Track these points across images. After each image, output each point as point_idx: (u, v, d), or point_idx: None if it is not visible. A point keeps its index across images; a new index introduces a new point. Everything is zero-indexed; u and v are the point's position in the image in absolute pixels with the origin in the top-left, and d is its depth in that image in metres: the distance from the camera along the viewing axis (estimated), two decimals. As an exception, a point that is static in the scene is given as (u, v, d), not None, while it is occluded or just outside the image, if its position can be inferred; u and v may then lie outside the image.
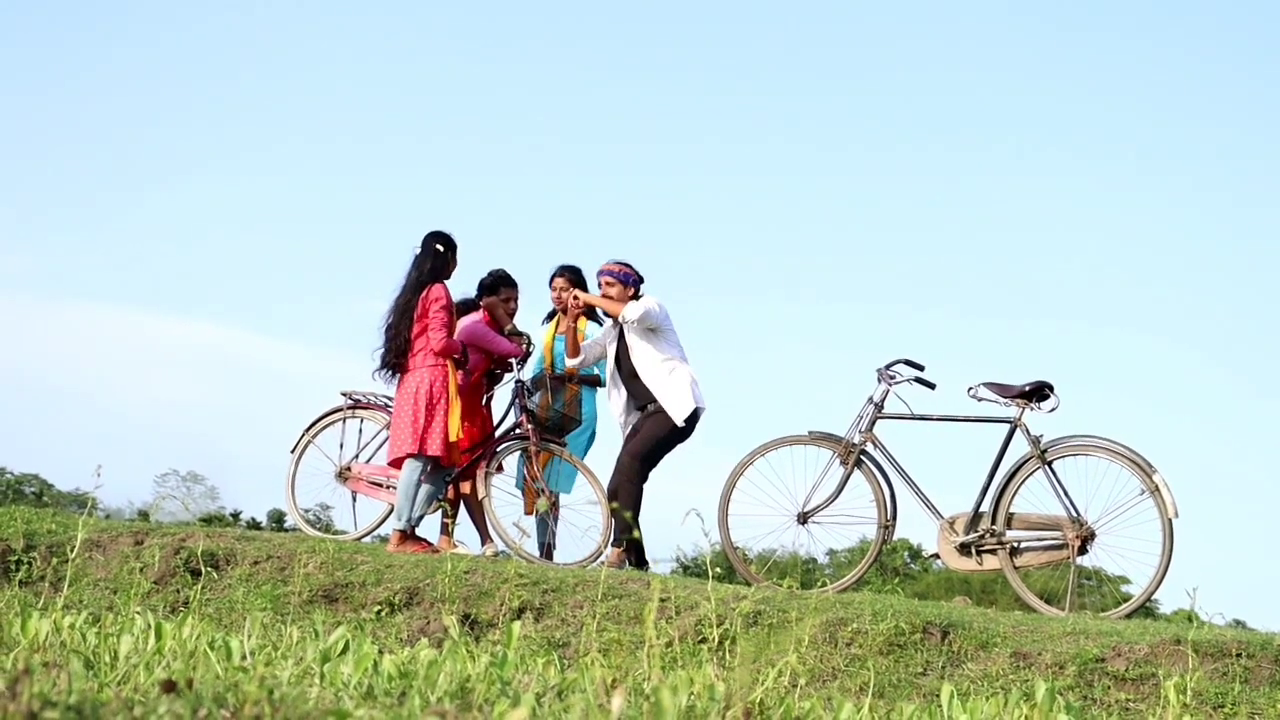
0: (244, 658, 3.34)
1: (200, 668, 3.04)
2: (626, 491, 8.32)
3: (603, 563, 8.27)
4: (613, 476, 8.45)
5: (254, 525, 31.07)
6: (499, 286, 9.00)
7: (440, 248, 8.45)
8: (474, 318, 8.88)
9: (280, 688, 2.26)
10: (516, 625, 3.55)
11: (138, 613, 4.28)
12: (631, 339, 8.59)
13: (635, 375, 8.55)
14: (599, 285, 8.74)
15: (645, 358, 8.52)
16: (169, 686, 2.04)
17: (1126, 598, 8.07)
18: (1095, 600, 8.37)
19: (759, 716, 2.89)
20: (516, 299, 9.08)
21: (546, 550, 8.74)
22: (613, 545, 8.35)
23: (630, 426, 8.60)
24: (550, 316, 9.30)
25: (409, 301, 8.33)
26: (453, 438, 8.31)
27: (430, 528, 8.83)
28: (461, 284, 8.91)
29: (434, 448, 8.21)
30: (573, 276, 9.17)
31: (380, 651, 4.75)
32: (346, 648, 3.62)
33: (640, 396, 8.56)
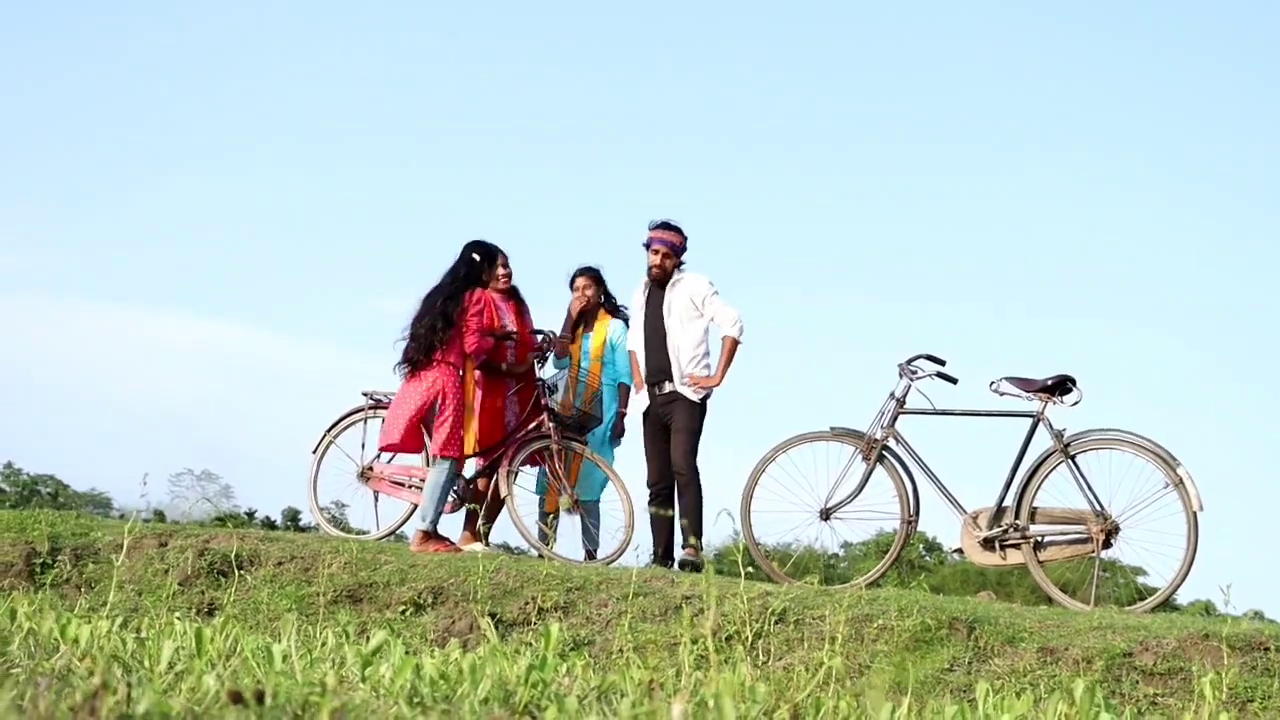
0: (285, 659, 3.34)
1: (246, 674, 3.04)
2: (692, 494, 8.51)
3: (680, 563, 8.47)
4: (678, 482, 8.58)
5: (269, 524, 31.13)
6: (493, 257, 8.76)
7: (477, 257, 8.54)
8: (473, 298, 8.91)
9: (340, 695, 2.26)
10: (555, 627, 3.55)
11: (177, 618, 4.30)
12: (673, 307, 8.72)
13: (663, 345, 8.68)
14: (650, 251, 8.78)
15: (684, 335, 8.68)
16: (235, 697, 2.05)
17: (1142, 588, 8.06)
18: (1110, 591, 8.33)
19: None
20: (507, 262, 8.90)
21: (588, 554, 8.76)
22: (684, 547, 8.51)
23: (648, 403, 8.69)
24: (578, 323, 9.29)
25: (445, 306, 8.38)
26: (468, 440, 8.42)
27: (450, 525, 8.85)
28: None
29: (441, 447, 8.31)
30: (594, 276, 9.20)
31: (408, 652, 4.75)
32: (379, 650, 3.63)
33: (657, 368, 8.69)
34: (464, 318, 8.40)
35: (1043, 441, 7.78)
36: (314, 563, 7.82)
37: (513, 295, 9.02)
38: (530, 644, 6.23)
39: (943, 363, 8.10)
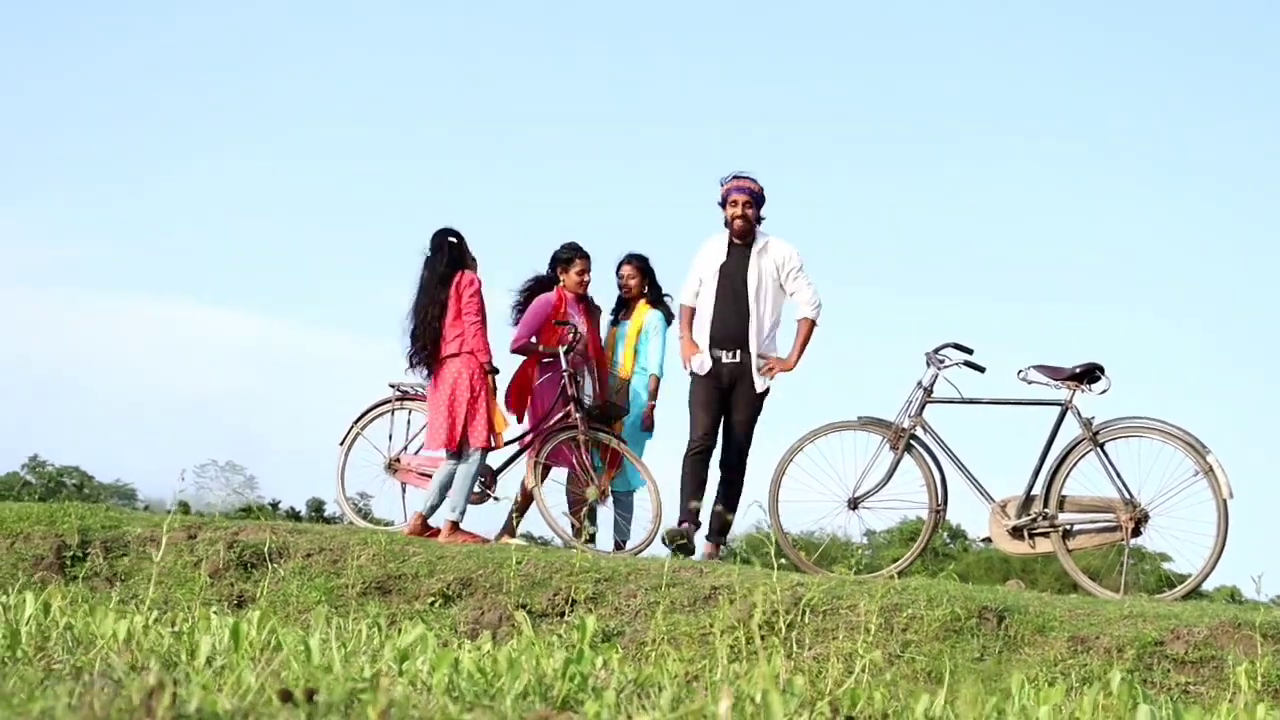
0: (324, 654, 3.35)
1: (283, 669, 3.05)
2: (736, 489, 8.31)
3: (704, 556, 8.28)
4: (728, 474, 8.34)
5: (293, 515, 31.20)
6: (573, 258, 8.96)
7: (454, 240, 8.43)
8: (547, 296, 8.91)
9: (389, 693, 2.27)
10: (591, 620, 3.55)
11: (215, 612, 4.31)
12: (762, 273, 8.29)
13: (742, 312, 8.26)
14: (728, 205, 8.35)
15: (766, 306, 8.29)
16: (286, 696, 2.06)
17: (1168, 574, 8.03)
18: (1135, 578, 8.29)
19: (844, 714, 2.88)
20: (588, 269, 9.02)
21: (617, 545, 8.74)
22: (708, 540, 8.36)
23: (708, 365, 8.29)
24: (617, 308, 9.28)
25: (435, 295, 8.33)
26: (497, 426, 8.37)
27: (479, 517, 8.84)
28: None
29: (478, 439, 8.24)
30: (640, 265, 9.14)
31: (444, 644, 4.76)
32: (415, 644, 3.63)
33: (730, 335, 8.28)
34: (459, 302, 8.31)
35: (1071, 430, 7.76)
36: (342, 555, 7.83)
37: (583, 299, 9.02)
38: (560, 635, 6.23)
39: (970, 351, 8.07)
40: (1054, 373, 7.80)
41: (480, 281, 8.37)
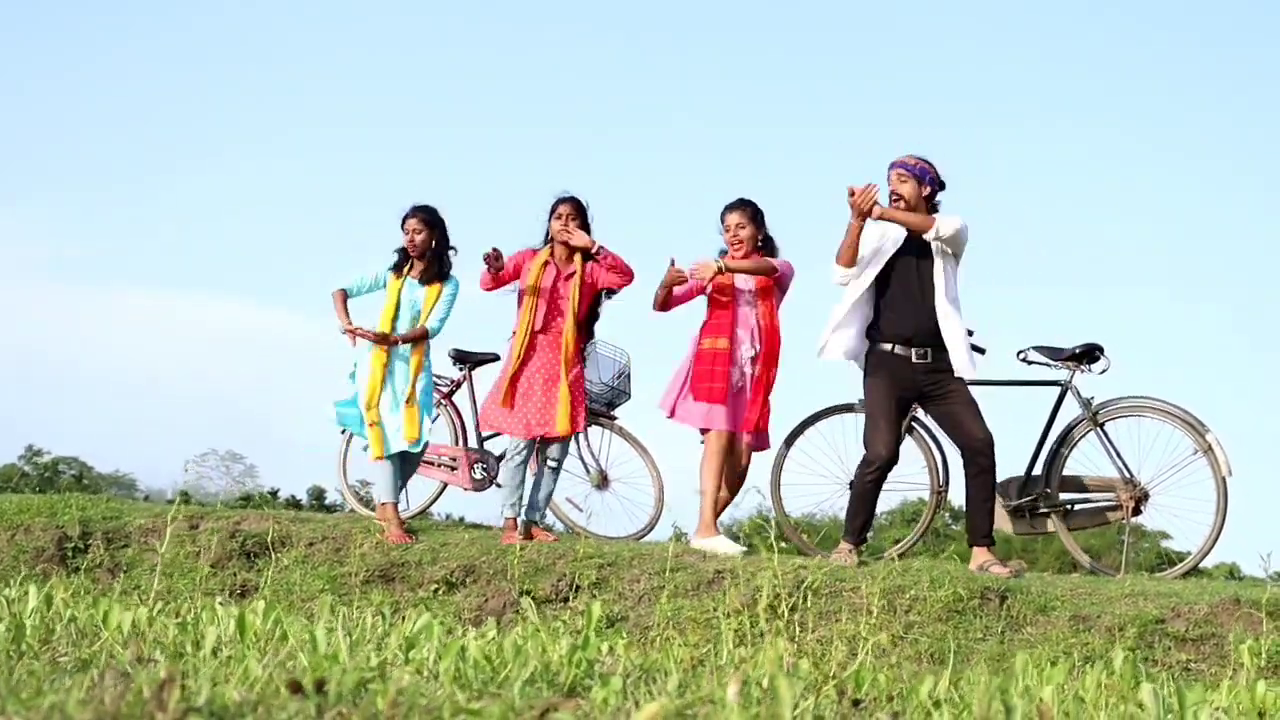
0: (330, 643, 3.36)
1: (290, 659, 3.06)
2: (991, 481, 7.38)
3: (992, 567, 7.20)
4: (979, 462, 7.32)
5: (294, 503, 31.22)
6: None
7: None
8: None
9: (399, 683, 2.27)
10: (597, 606, 3.56)
11: (220, 602, 4.32)
12: (938, 261, 7.38)
13: (928, 302, 7.37)
14: (888, 180, 7.44)
15: (949, 293, 7.42)
16: (295, 687, 2.06)
17: (1165, 552, 8.04)
18: (1132, 556, 8.30)
19: (852, 696, 2.89)
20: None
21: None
22: (976, 544, 7.39)
23: (890, 365, 7.38)
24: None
25: None
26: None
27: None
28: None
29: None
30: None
31: (449, 632, 4.76)
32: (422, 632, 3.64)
33: (919, 330, 7.36)
34: None
35: (1071, 410, 7.78)
36: (345, 543, 7.85)
37: None
38: (565, 621, 6.25)
39: (970, 333, 8.04)
40: (1054, 353, 7.82)
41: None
